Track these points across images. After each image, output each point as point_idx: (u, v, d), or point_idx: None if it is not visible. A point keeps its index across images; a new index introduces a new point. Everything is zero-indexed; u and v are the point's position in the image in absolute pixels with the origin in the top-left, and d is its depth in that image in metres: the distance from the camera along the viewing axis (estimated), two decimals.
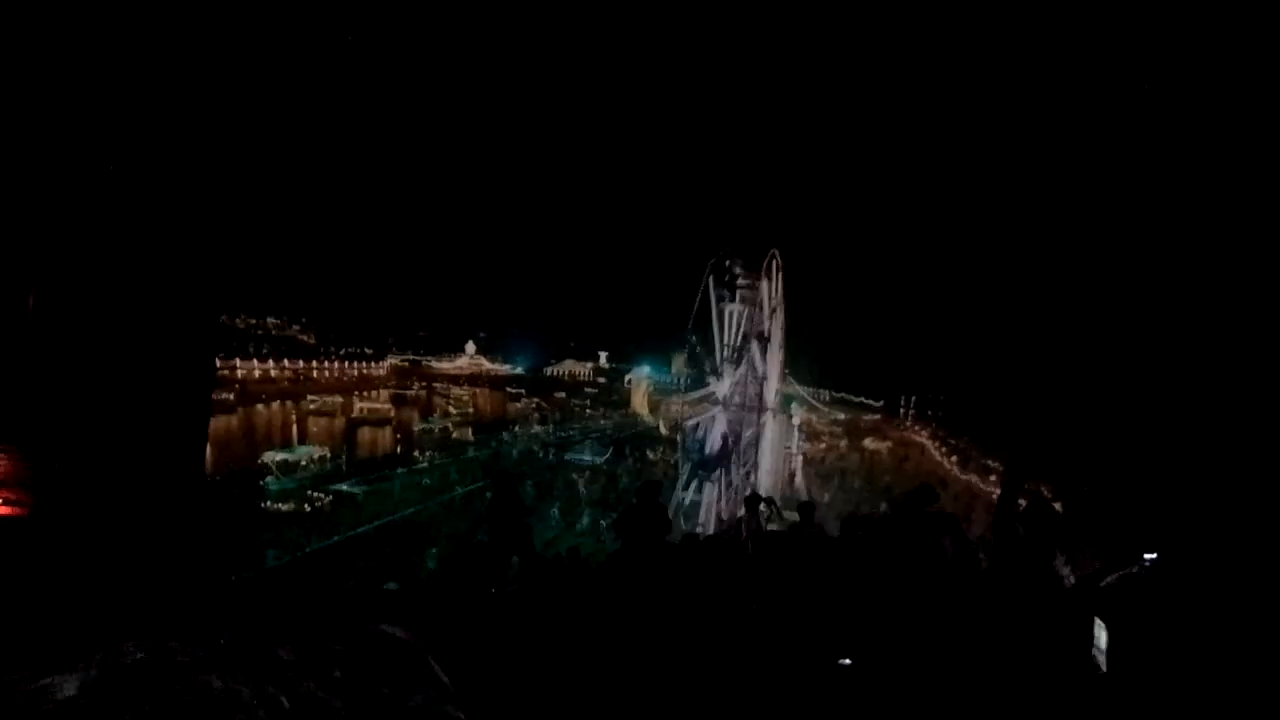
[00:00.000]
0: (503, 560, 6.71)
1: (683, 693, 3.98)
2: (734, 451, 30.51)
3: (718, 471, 30.55)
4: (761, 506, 9.51)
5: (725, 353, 31.07)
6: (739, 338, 30.88)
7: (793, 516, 10.93)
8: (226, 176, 5.40)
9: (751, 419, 30.92)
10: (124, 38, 4.72)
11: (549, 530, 34.86)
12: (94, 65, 4.62)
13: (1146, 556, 4.10)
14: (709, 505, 30.32)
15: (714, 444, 31.03)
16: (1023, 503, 5.44)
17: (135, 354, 4.98)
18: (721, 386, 31.28)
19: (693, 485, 31.21)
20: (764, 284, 30.26)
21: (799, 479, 41.52)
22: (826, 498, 39.22)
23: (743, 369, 31.00)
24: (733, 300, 30.57)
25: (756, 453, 31.16)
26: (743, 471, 30.77)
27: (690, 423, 32.44)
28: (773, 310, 30.40)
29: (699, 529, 26.88)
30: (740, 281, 30.38)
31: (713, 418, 31.19)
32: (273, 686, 0.43)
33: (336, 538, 35.86)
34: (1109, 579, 4.17)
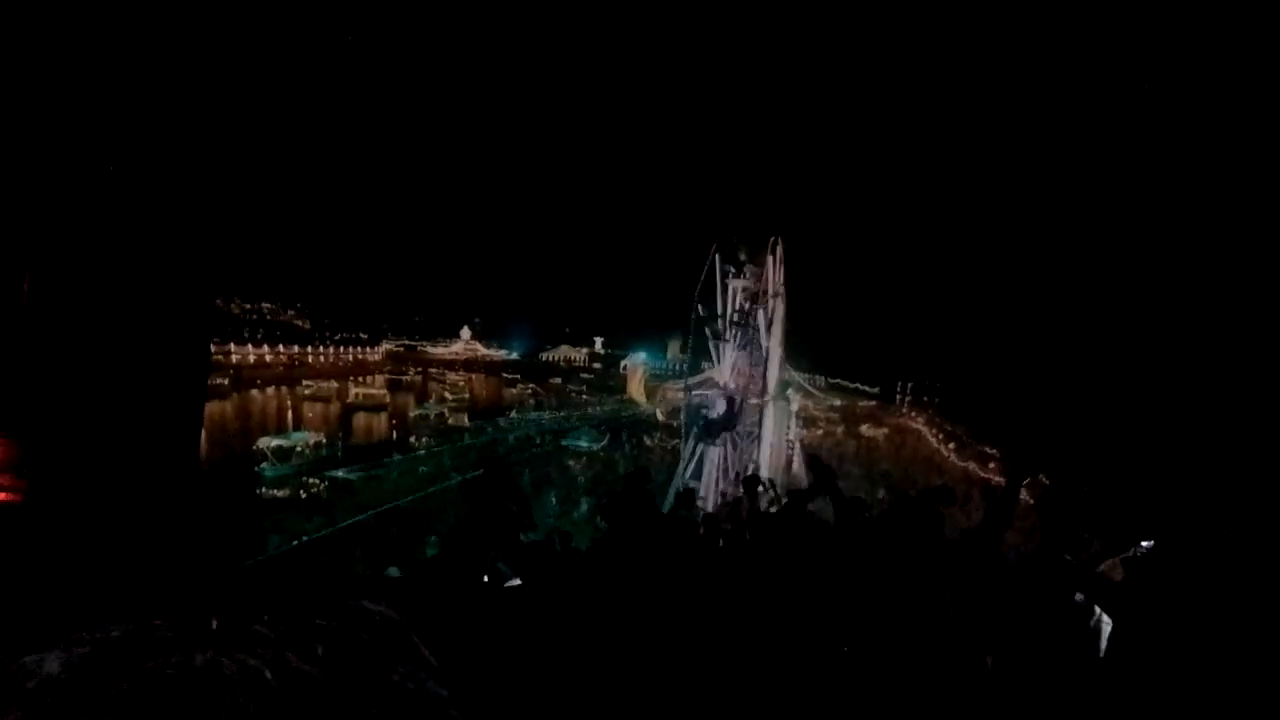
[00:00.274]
0: (486, 547, 6.68)
1: (673, 677, 3.95)
2: (739, 415, 30.54)
3: (722, 436, 30.58)
4: (760, 488, 9.41)
5: (728, 335, 31.07)
6: (742, 321, 30.88)
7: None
8: (222, 162, 5.33)
9: (752, 404, 30.94)
10: (118, 26, 4.62)
11: (547, 517, 34.88)
12: (89, 53, 4.54)
13: (1143, 544, 4.10)
14: (708, 484, 30.42)
15: (719, 408, 31.11)
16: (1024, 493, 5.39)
17: (130, 339, 4.99)
18: (722, 372, 31.32)
19: (693, 463, 31.26)
20: (768, 268, 30.26)
21: (796, 465, 41.65)
22: None
23: (744, 353, 30.99)
24: (738, 278, 30.68)
25: (759, 437, 31.17)
26: (741, 451, 30.77)
27: (695, 391, 32.67)
28: (775, 294, 30.38)
29: (700, 501, 27.03)
30: (744, 263, 30.49)
31: (719, 392, 31.29)
32: (256, 660, 0.44)
33: (328, 528, 35.71)
34: (1106, 564, 4.18)
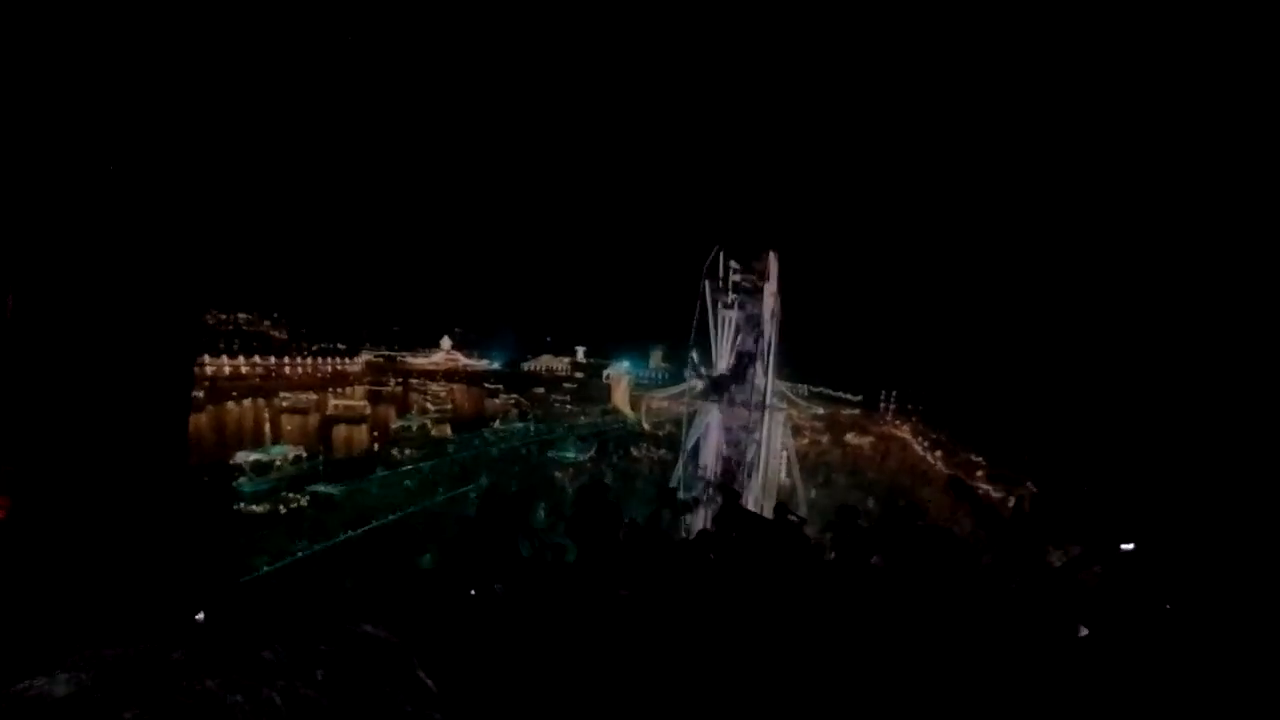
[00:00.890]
0: (483, 563, 6.51)
1: (670, 694, 3.80)
2: (748, 368, 30.74)
3: (729, 389, 30.75)
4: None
5: (732, 303, 31.25)
6: (749, 288, 31.09)
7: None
8: (206, 174, 5.25)
9: (748, 416, 30.99)
10: (107, 36, 4.52)
11: (534, 529, 34.38)
12: (75, 65, 4.42)
13: (1124, 546, 4.12)
14: (708, 455, 30.50)
15: (728, 364, 31.19)
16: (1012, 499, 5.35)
17: (116, 355, 4.94)
18: (725, 340, 31.51)
19: (696, 434, 31.33)
20: (769, 264, 30.53)
21: (784, 475, 41.64)
22: (813, 493, 39.35)
23: (747, 323, 31.18)
24: (739, 273, 31.01)
25: (758, 452, 31.16)
26: (740, 445, 30.78)
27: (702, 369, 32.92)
28: (774, 294, 30.58)
29: (702, 470, 27.53)
30: (747, 272, 30.86)
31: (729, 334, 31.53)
32: (264, 687, 0.43)
33: (311, 547, 34.88)
34: (1087, 568, 4.20)
